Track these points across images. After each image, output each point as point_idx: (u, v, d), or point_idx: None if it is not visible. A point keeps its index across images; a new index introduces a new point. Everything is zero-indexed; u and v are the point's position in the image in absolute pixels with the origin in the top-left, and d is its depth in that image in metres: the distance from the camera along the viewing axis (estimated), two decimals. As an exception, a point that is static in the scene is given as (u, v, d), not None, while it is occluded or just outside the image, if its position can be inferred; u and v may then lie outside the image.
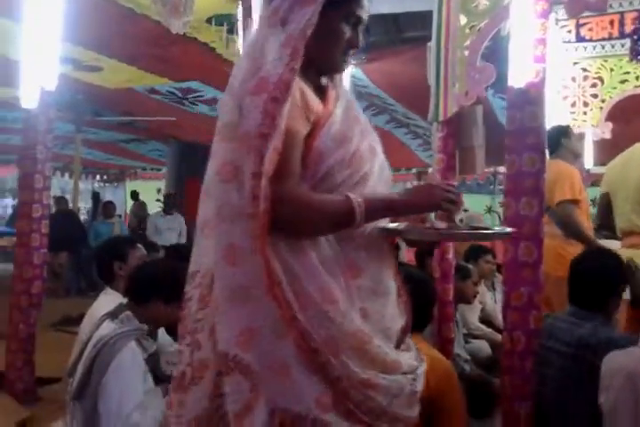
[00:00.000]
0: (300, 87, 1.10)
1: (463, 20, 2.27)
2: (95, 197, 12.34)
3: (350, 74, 6.11)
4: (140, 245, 2.76)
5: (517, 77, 1.93)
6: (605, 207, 3.01)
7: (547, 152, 2.29)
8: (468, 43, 2.24)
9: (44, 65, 2.83)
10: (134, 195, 12.10)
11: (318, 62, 1.18)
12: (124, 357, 1.86)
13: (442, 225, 1.19)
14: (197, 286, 1.16)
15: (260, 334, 1.06)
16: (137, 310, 2.04)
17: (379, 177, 1.26)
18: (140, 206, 11.43)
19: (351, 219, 1.11)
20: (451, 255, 2.36)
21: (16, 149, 10.46)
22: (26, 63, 2.84)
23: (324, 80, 1.24)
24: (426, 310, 1.98)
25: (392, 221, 1.26)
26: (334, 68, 1.25)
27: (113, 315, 2.04)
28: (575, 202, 3.09)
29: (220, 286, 1.08)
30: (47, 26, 2.83)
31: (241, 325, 1.06)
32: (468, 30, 2.25)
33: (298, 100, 1.09)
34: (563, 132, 3.44)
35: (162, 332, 2.74)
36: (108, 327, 1.97)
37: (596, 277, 2.06)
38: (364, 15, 1.20)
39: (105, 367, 1.83)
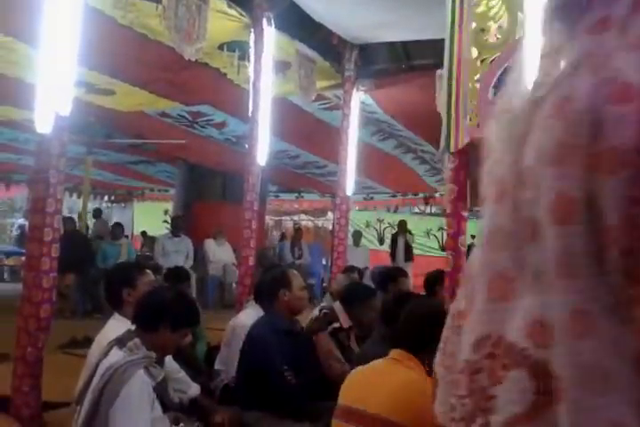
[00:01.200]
0: None
1: (474, 52, 2.30)
2: (97, 213, 12.40)
3: (359, 99, 6.20)
4: (149, 271, 2.78)
5: (529, 111, 1.95)
6: None
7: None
8: (479, 76, 2.27)
9: (59, 89, 2.87)
10: (96, 212, 12.06)
11: None
12: (133, 386, 1.86)
13: None
14: (487, 356, 0.89)
15: None
16: (145, 337, 2.04)
17: None
18: (101, 224, 11.41)
19: None
20: (462, 286, 2.34)
21: (26, 170, 10.64)
22: (41, 87, 2.88)
23: None
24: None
25: None
26: None
27: (121, 342, 2.04)
28: None
29: (563, 364, 0.77)
30: (64, 51, 2.88)
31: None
32: (479, 63, 2.28)
33: None
34: None
35: (169, 358, 2.74)
36: (116, 355, 1.97)
37: None
38: None
39: (114, 397, 1.83)
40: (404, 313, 2.10)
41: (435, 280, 3.51)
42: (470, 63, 2.30)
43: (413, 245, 10.37)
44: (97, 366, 2.02)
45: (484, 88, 2.25)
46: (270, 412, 2.69)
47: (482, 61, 2.28)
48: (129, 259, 7.65)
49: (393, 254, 10.04)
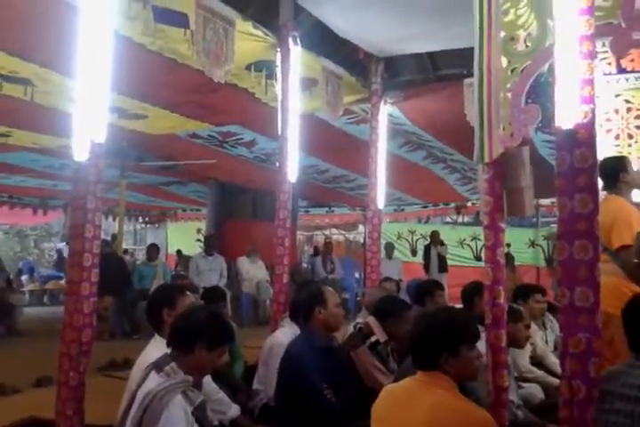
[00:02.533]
0: None
1: (504, 61, 2.27)
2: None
3: (387, 112, 6.19)
4: (189, 293, 2.79)
5: (565, 119, 1.91)
6: None
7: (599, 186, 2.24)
8: (510, 85, 2.24)
9: (94, 116, 2.93)
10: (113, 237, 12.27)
11: None
12: (172, 412, 1.86)
13: None
14: None
15: None
16: (181, 359, 2.04)
17: None
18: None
19: None
20: (502, 300, 2.29)
21: (62, 195, 10.87)
22: (77, 115, 2.95)
23: None
24: (427, 347, 1.93)
25: None
26: None
27: (158, 366, 2.04)
28: (629, 247, 3.03)
29: None
30: (97, 79, 2.94)
31: None
32: (509, 72, 2.24)
33: None
34: (621, 167, 3.36)
35: (207, 380, 2.73)
36: (154, 380, 1.97)
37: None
38: None
39: (154, 423, 1.83)
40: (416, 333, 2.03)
41: (473, 292, 3.44)
42: (501, 72, 2.27)
43: (447, 256, 10.22)
44: (136, 391, 2.02)
45: (515, 97, 2.22)
46: (312, 431, 2.66)
47: (512, 70, 2.25)
48: (165, 279, 7.73)
49: (427, 266, 9.93)
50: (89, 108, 2.93)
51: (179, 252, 12.99)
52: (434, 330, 1.96)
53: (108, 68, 2.98)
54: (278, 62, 4.77)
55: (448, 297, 6.36)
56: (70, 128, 2.97)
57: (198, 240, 13.70)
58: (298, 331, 3.36)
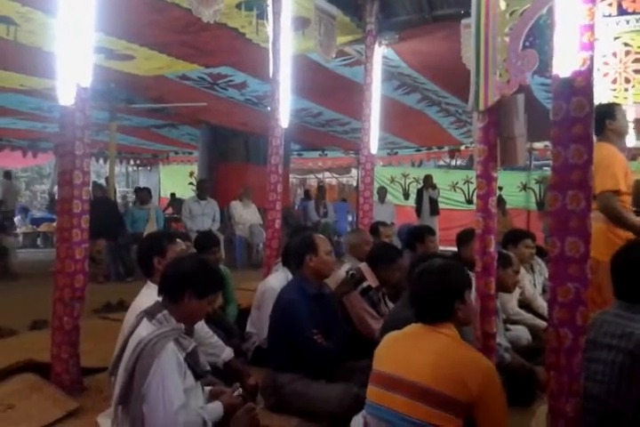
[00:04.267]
0: None
1: (503, 4, 2.17)
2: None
3: (382, 54, 6.02)
4: (179, 240, 2.79)
5: (563, 66, 1.85)
6: None
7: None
8: (508, 28, 2.16)
9: (79, 57, 2.83)
10: (6, 174, 12.30)
11: None
12: (164, 359, 1.89)
13: None
14: None
15: None
16: (172, 307, 2.06)
17: None
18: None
19: None
20: (492, 248, 2.31)
21: (52, 137, 10.70)
22: (61, 55, 2.84)
23: None
24: (445, 298, 1.97)
25: None
26: None
27: (150, 314, 2.06)
28: (616, 192, 3.05)
29: None
30: (81, 18, 2.82)
31: None
32: (508, 16, 2.16)
33: None
34: (608, 113, 3.32)
35: (201, 323, 2.78)
36: (146, 328, 1.99)
37: (638, 270, 2.03)
38: None
39: (146, 371, 1.86)
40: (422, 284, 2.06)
41: (466, 238, 3.48)
42: (499, 16, 2.19)
43: (439, 199, 10.25)
44: (129, 337, 2.05)
45: (513, 41, 2.14)
46: (303, 373, 2.74)
47: (511, 13, 2.16)
48: (158, 223, 7.75)
49: (418, 210, 9.98)
50: (73, 49, 2.82)
51: (172, 195, 12.98)
52: (446, 282, 2.00)
53: (92, 6, 2.85)
54: (269, 1, 4.57)
55: (439, 240, 6.43)
56: (56, 69, 2.88)
57: (191, 184, 13.68)
58: (290, 276, 3.41)
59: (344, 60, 6.55)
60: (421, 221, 9.19)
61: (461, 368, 1.85)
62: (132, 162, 14.69)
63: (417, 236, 4.42)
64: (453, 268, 2.08)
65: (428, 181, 10.17)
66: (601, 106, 3.50)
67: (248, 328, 3.77)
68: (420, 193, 10.14)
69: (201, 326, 2.79)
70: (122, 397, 1.90)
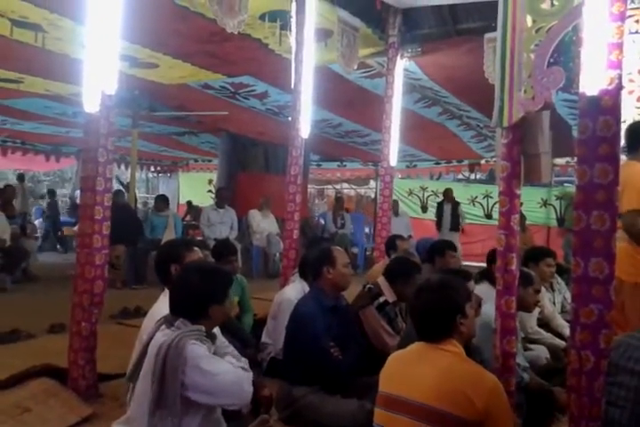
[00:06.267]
0: None
1: (530, 21, 2.16)
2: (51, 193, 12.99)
3: (403, 67, 6.03)
4: (197, 249, 2.80)
5: (590, 85, 1.83)
6: None
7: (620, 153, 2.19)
8: (534, 45, 2.14)
9: (105, 65, 2.88)
10: (20, 177, 12.27)
11: None
12: (191, 349, 1.90)
13: None
14: None
15: None
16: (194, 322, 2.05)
17: None
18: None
19: None
20: (514, 266, 2.28)
21: (75, 142, 10.83)
22: (87, 62, 2.89)
23: None
24: (446, 315, 1.94)
25: None
26: None
27: (169, 322, 2.06)
28: None
29: None
30: (108, 26, 2.87)
31: None
32: (534, 32, 2.14)
33: None
34: None
35: (217, 332, 2.77)
36: (165, 335, 1.99)
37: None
38: None
39: (177, 369, 1.86)
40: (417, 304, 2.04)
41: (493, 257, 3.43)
42: (525, 32, 2.17)
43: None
44: (148, 343, 2.05)
45: (539, 58, 2.13)
46: (318, 387, 2.72)
47: (537, 30, 2.15)
48: (176, 230, 7.79)
49: (439, 223, 9.89)
50: (99, 57, 2.87)
51: (189, 203, 13.06)
52: (446, 298, 1.96)
53: (118, 15, 2.90)
54: (293, 12, 4.61)
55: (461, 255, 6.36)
56: (82, 76, 2.92)
57: (210, 191, 13.75)
58: (307, 287, 3.39)
59: (365, 71, 6.57)
60: (441, 236, 9.08)
61: (466, 385, 1.81)
62: (152, 168, 14.83)
63: (437, 249, 4.38)
64: (452, 283, 2.04)
65: (448, 195, 10.10)
66: (637, 124, 3.46)
67: (263, 339, 3.76)
68: (440, 207, 10.07)
69: (217, 335, 2.79)
70: (156, 404, 1.89)
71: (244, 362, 2.18)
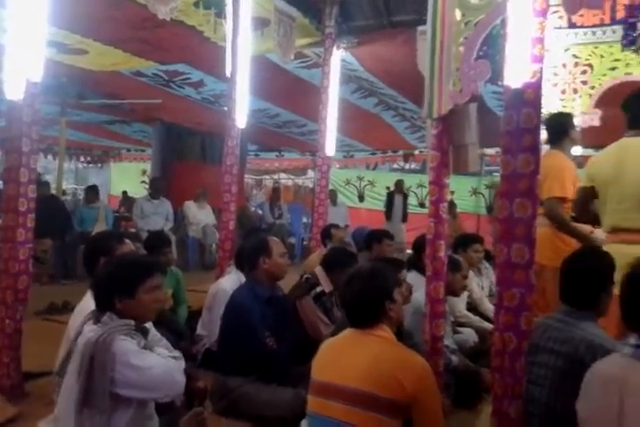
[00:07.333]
0: None
1: (459, 14, 2.22)
2: None
3: (340, 57, 6.05)
4: (128, 241, 2.73)
5: (514, 77, 1.90)
6: (585, 201, 3.03)
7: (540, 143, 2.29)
8: (463, 38, 2.20)
9: (30, 52, 2.74)
10: None
11: None
12: (119, 344, 1.86)
13: None
14: None
15: None
16: (116, 310, 2.00)
17: None
18: None
19: None
20: (442, 253, 2.35)
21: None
22: (11, 50, 2.74)
23: None
24: (376, 301, 1.99)
25: None
26: None
27: (96, 317, 2.00)
28: (562, 199, 3.17)
29: None
30: (33, 10, 2.73)
31: None
32: (463, 25, 2.20)
33: None
34: (570, 123, 3.46)
35: (149, 326, 2.72)
36: (92, 331, 1.94)
37: (588, 276, 2.10)
38: None
39: (106, 364, 1.81)
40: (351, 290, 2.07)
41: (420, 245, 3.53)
42: (454, 25, 2.23)
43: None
44: (75, 340, 1.99)
45: (467, 51, 2.19)
46: (253, 377, 2.72)
47: (466, 24, 2.21)
48: (107, 222, 7.56)
49: (388, 214, 10.00)
50: (23, 43, 2.73)
51: (124, 193, 12.70)
52: (375, 286, 2.01)
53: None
54: (228, 0, 4.54)
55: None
56: (4, 62, 2.77)
57: (143, 182, 13.41)
58: (243, 278, 3.38)
59: (302, 62, 6.56)
60: (390, 226, 9.07)
61: (396, 368, 1.87)
62: (82, 158, 14.30)
63: (375, 238, 4.46)
64: (381, 270, 2.09)
65: (399, 186, 10.23)
66: (562, 115, 3.63)
67: (198, 331, 3.72)
68: (390, 197, 10.18)
69: (150, 329, 2.74)
70: (84, 402, 1.83)
71: (177, 353, 2.15)
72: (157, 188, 8.02)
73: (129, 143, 12.83)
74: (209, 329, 3.56)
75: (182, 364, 2.08)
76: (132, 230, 7.67)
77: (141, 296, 2.01)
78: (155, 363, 1.94)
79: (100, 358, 1.84)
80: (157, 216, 7.65)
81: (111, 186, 14.62)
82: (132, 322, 1.98)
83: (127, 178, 14.28)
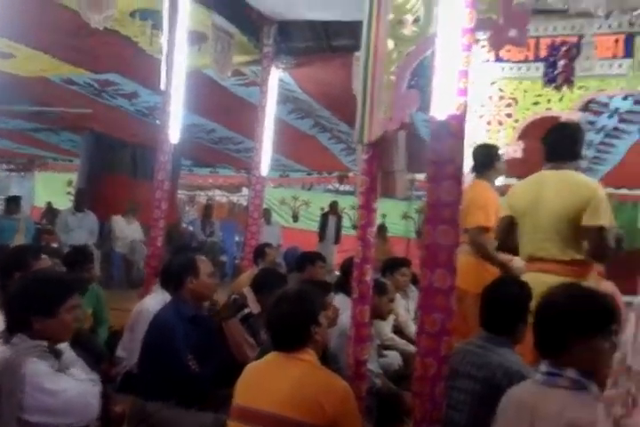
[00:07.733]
0: None
1: (391, 44, 2.28)
2: None
3: (278, 77, 6.09)
4: (45, 256, 2.61)
5: (439, 109, 1.96)
6: (507, 229, 3.15)
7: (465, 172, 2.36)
8: (394, 68, 2.26)
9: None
10: None
11: None
12: (30, 368, 1.75)
13: None
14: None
15: None
16: (27, 332, 1.90)
17: None
18: None
19: None
20: (369, 277, 2.37)
21: None
22: None
23: None
24: (302, 325, 1.99)
25: None
26: None
27: (4, 338, 1.90)
28: (486, 229, 3.28)
29: None
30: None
31: None
32: (395, 55, 2.26)
33: None
34: (497, 155, 3.61)
35: (67, 348, 2.60)
36: (1, 352, 1.83)
37: (505, 305, 2.19)
38: None
39: (14, 388, 1.71)
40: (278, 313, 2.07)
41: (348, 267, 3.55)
42: (386, 55, 2.29)
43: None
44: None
45: (398, 81, 2.25)
46: (173, 401, 2.63)
47: (398, 53, 2.27)
48: (27, 234, 7.22)
49: (322, 235, 10.00)
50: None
51: (49, 204, 12.17)
52: (302, 310, 2.01)
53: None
54: (165, 12, 4.49)
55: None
56: None
57: (69, 193, 12.91)
58: (168, 297, 3.28)
59: (240, 79, 6.55)
60: (322, 248, 9.03)
61: (319, 392, 1.86)
62: (4, 166, 13.64)
63: (309, 259, 4.46)
64: (308, 293, 2.10)
65: (333, 208, 10.27)
66: (488, 147, 3.79)
67: (118, 352, 3.57)
68: (325, 218, 10.19)
69: (65, 348, 2.61)
70: None
71: (94, 375, 2.05)
72: (82, 200, 7.74)
73: (56, 153, 12.34)
74: (130, 351, 3.42)
75: (98, 387, 2.00)
76: (55, 245, 7.34)
77: (63, 316, 1.92)
78: (67, 386, 1.86)
79: (8, 382, 1.74)
80: (81, 230, 7.37)
81: (35, 197, 13.99)
82: (45, 343, 1.89)
83: (53, 189, 13.71)
